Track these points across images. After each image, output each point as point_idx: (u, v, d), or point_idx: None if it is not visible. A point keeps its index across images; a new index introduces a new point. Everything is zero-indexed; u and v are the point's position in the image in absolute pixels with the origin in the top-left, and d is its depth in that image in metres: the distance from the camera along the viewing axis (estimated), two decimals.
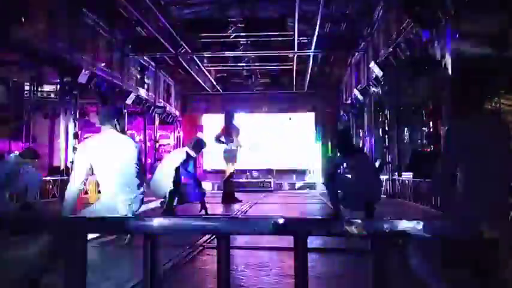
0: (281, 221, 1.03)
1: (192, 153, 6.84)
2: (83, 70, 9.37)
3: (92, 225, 1.14)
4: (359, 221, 0.99)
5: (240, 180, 14.51)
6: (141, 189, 4.11)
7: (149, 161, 15.19)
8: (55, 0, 8.88)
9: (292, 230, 1.01)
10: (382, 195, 7.32)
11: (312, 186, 15.43)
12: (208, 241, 4.14)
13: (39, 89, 12.50)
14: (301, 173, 17.11)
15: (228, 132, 9.10)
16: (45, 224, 1.15)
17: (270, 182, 15.08)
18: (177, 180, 6.56)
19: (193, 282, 2.87)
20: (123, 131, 4.26)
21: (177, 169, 6.54)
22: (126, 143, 4.11)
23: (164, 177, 6.50)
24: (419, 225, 0.96)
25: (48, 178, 9.19)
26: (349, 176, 6.06)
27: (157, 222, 1.10)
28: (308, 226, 1.00)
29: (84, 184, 9.35)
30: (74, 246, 1.09)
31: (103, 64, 10.89)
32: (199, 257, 3.64)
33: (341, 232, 0.99)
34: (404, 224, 0.97)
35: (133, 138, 5.45)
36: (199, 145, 6.96)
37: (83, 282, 1.13)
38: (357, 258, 3.54)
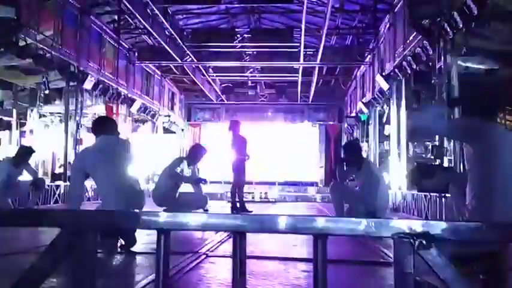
0: (300, 218, 1.00)
1: (192, 161, 6.79)
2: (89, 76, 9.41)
3: (105, 219, 1.10)
4: (382, 221, 0.95)
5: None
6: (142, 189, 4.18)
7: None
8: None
9: (312, 228, 0.97)
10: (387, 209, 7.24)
11: (314, 198, 15.34)
12: (211, 249, 4.08)
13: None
14: (304, 184, 17.02)
15: (235, 142, 8.62)
16: (55, 218, 1.12)
17: (272, 194, 14.98)
18: (176, 189, 6.52)
19: None
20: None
21: (177, 177, 6.50)
22: (122, 146, 4.15)
23: (164, 186, 6.45)
24: (445, 227, 0.92)
25: (51, 184, 9.16)
26: (357, 188, 6.03)
27: (172, 217, 1.06)
28: (329, 224, 0.96)
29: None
30: (84, 241, 1.06)
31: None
32: (202, 264, 3.58)
33: (363, 232, 0.95)
34: (429, 225, 0.93)
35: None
36: (197, 152, 6.91)
37: (93, 280, 1.09)
38: (362, 269, 3.48)
